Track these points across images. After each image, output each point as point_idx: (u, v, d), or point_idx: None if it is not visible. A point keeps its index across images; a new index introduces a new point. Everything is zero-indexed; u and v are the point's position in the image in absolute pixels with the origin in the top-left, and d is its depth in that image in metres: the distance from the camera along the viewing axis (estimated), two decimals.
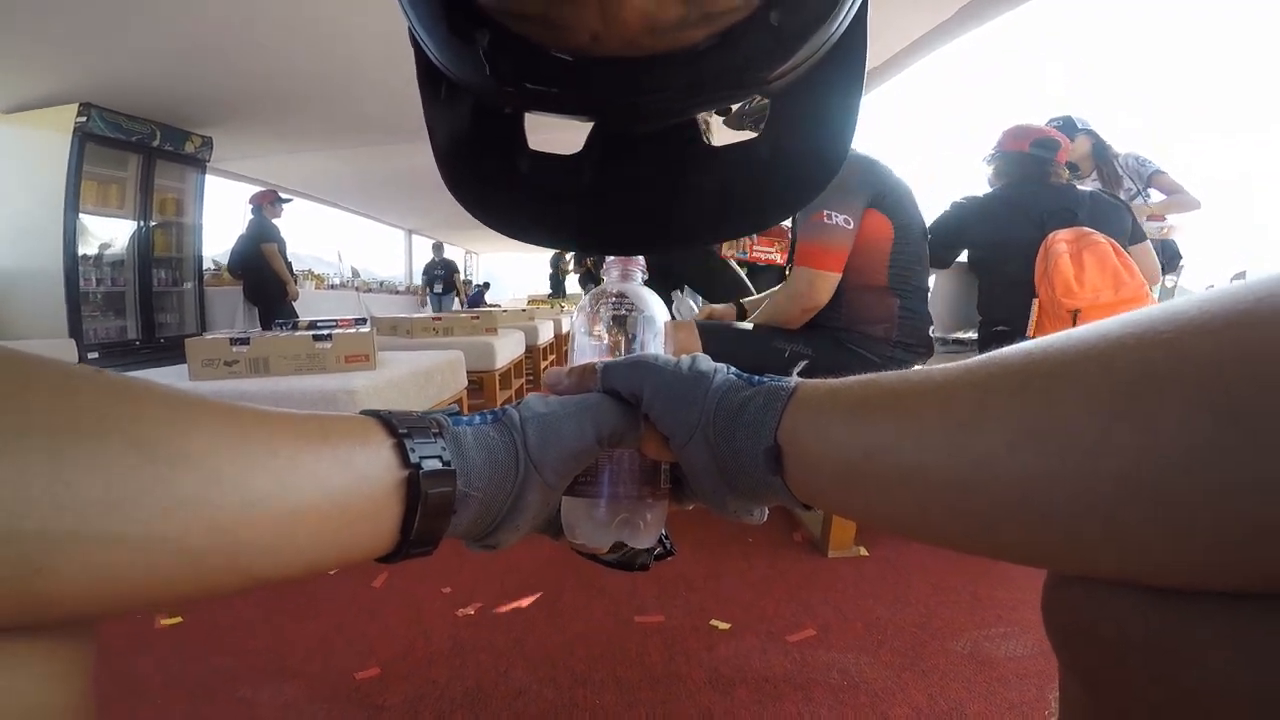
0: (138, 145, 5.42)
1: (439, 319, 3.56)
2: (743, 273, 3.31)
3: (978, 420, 0.28)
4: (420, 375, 2.11)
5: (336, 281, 10.07)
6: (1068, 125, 3.00)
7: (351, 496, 0.35)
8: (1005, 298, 1.95)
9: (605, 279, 0.58)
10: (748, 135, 0.50)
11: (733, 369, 0.48)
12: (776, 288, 1.82)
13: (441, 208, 11.94)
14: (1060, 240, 1.82)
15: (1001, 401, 0.28)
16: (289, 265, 5.85)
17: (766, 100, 0.41)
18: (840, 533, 1.58)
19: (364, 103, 5.86)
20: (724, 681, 1.09)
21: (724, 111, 1.76)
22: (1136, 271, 1.79)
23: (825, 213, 1.56)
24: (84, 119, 4.84)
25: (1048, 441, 0.25)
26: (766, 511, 0.48)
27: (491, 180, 0.47)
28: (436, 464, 0.39)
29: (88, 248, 5.00)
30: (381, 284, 12.50)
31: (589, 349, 0.57)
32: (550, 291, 16.03)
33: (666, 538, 0.55)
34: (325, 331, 1.97)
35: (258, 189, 6.60)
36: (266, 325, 5.68)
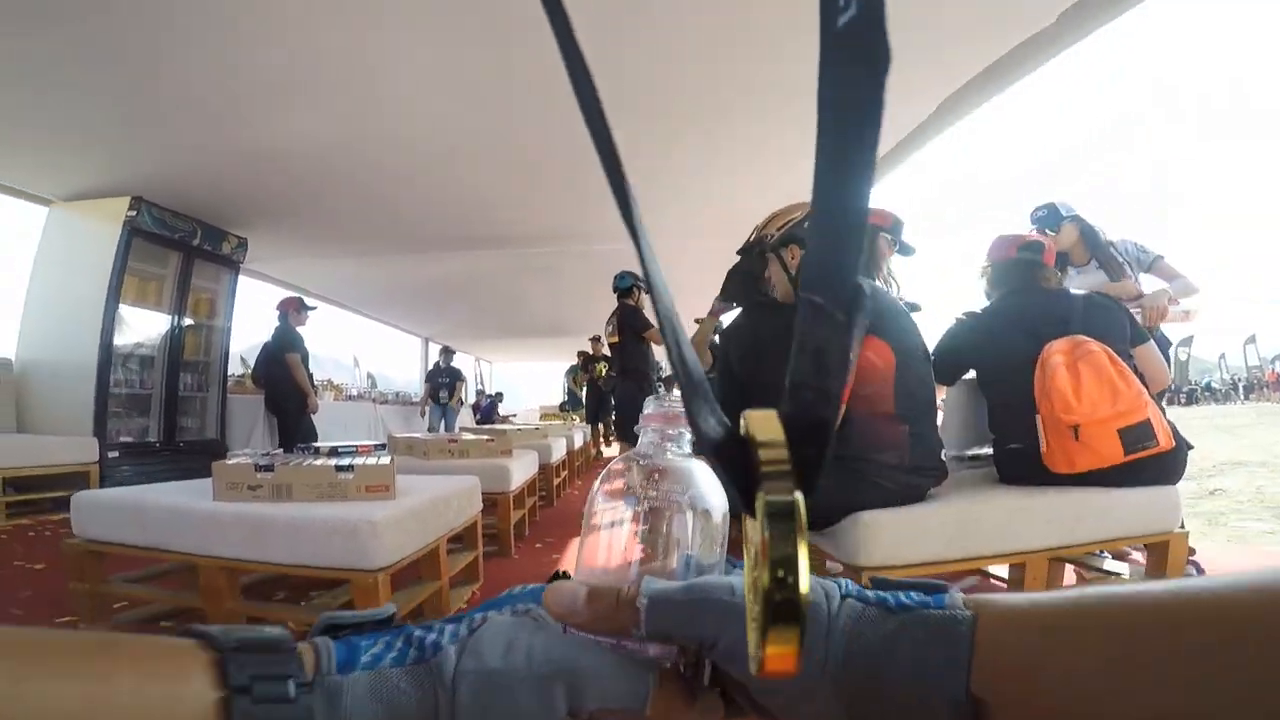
0: (180, 243, 5.58)
1: (455, 441, 3.62)
2: None
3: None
4: (439, 503, 2.15)
5: (354, 392, 10.28)
6: (1051, 214, 3.02)
7: None
8: (1012, 416, 1.96)
9: (641, 439, 0.42)
10: None
11: (849, 584, 0.36)
12: None
13: (459, 315, 12.29)
14: (1056, 353, 1.83)
15: None
16: (310, 376, 5.98)
17: None
18: None
19: (394, 213, 6.16)
20: None
21: None
22: (1133, 379, 1.79)
23: None
24: (134, 213, 4.98)
25: None
26: None
27: None
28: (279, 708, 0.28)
29: (122, 343, 5.12)
30: (398, 395, 12.68)
31: (612, 547, 0.40)
32: (563, 402, 16.22)
33: None
34: (348, 462, 2.03)
35: (286, 293, 6.89)
36: (285, 437, 5.81)
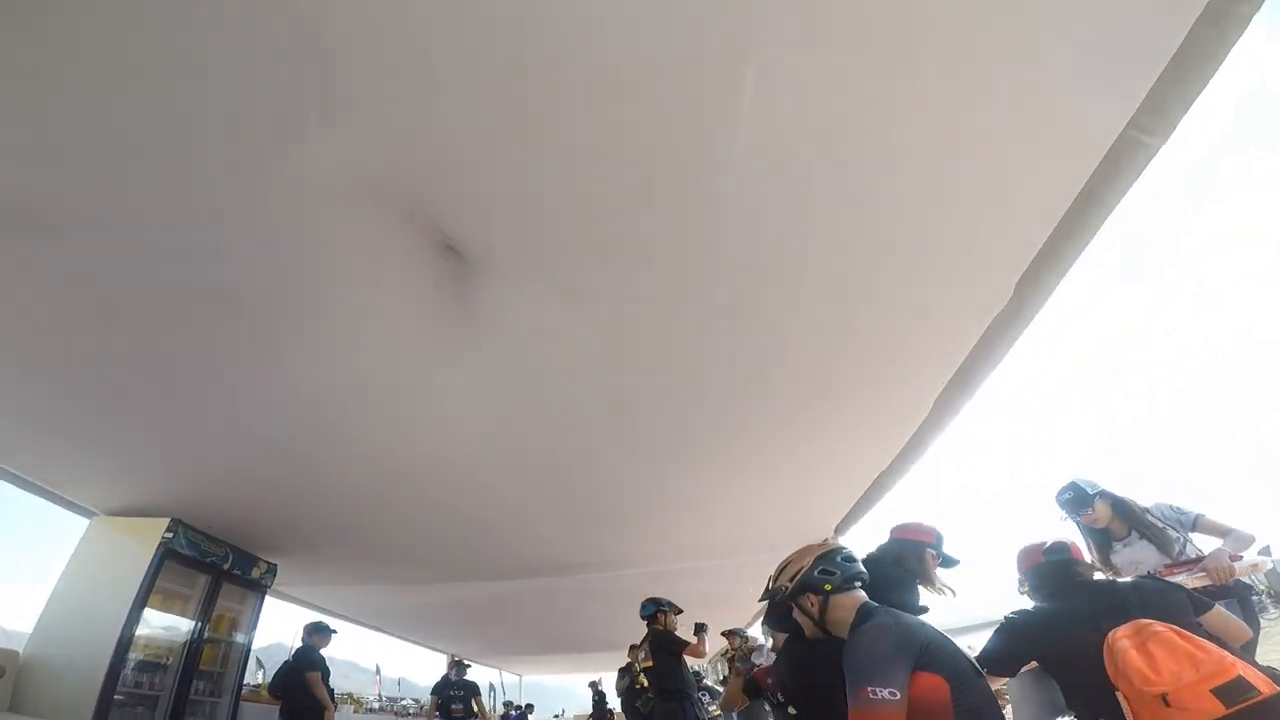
0: (210, 566, 5.69)
1: None
2: None
3: None
4: None
5: (375, 705, 9.65)
6: (1079, 496, 3.01)
7: None
8: (1089, 696, 1.91)
9: None
10: None
11: None
12: None
13: (485, 635, 11.87)
14: (1121, 638, 1.82)
15: None
16: (331, 690, 5.90)
17: None
18: None
19: (423, 545, 6.32)
20: None
21: None
22: (1209, 646, 1.73)
23: (869, 689, 1.59)
24: (171, 534, 5.15)
25: None
26: None
27: None
28: None
29: (137, 649, 5.04)
30: (420, 705, 11.85)
31: None
32: (592, 714, 14.91)
33: None
34: None
35: (311, 615, 6.85)
36: None
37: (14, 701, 4.53)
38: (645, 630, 5.37)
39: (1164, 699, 1.67)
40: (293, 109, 2.06)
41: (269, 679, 6.71)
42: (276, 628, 8.00)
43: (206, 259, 2.66)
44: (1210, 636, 1.83)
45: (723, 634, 7.06)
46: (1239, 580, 2.71)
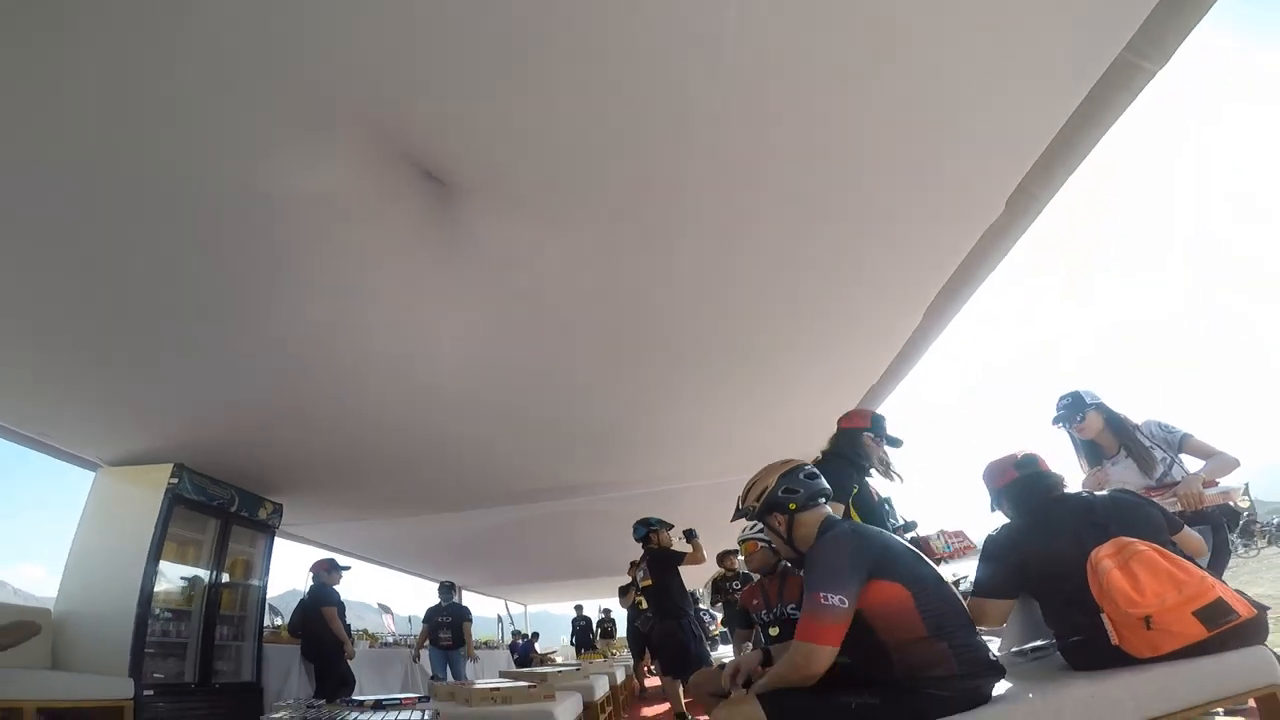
0: (218, 510, 5.76)
1: (498, 689, 3.49)
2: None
3: None
4: None
5: (390, 639, 9.90)
6: (1076, 403, 3.02)
7: None
8: (1071, 615, 1.91)
9: None
10: None
11: None
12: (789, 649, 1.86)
13: (490, 565, 12.12)
14: (1104, 557, 1.83)
15: None
16: (347, 626, 6.01)
17: None
18: None
19: (428, 476, 6.38)
20: None
21: None
22: (1191, 567, 1.77)
23: (821, 594, 1.70)
24: (176, 480, 5.18)
25: None
26: None
27: None
28: None
29: (160, 600, 5.17)
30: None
31: None
32: (599, 636, 15.63)
33: None
34: (395, 716, 2.00)
35: (320, 553, 6.90)
36: (322, 681, 5.74)
37: (54, 659, 4.65)
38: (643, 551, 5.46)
39: (1147, 621, 1.70)
40: (274, 38, 1.98)
41: (287, 621, 6.82)
42: (288, 575, 8.08)
43: (191, 201, 2.60)
44: (1184, 555, 1.86)
45: (718, 557, 7.13)
46: (1228, 506, 2.71)
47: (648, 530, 5.36)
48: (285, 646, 6.35)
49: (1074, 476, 3.14)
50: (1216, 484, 2.65)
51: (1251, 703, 1.89)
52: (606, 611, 16.62)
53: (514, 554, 10.70)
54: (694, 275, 3.41)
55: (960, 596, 1.90)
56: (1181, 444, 2.85)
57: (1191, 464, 2.86)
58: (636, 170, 2.62)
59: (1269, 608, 1.85)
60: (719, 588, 7.34)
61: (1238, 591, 1.77)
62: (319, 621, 5.80)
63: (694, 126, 2.41)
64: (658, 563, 5.26)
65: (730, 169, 2.63)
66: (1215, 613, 1.68)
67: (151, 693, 4.75)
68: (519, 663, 12.02)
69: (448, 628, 7.78)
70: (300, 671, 6.20)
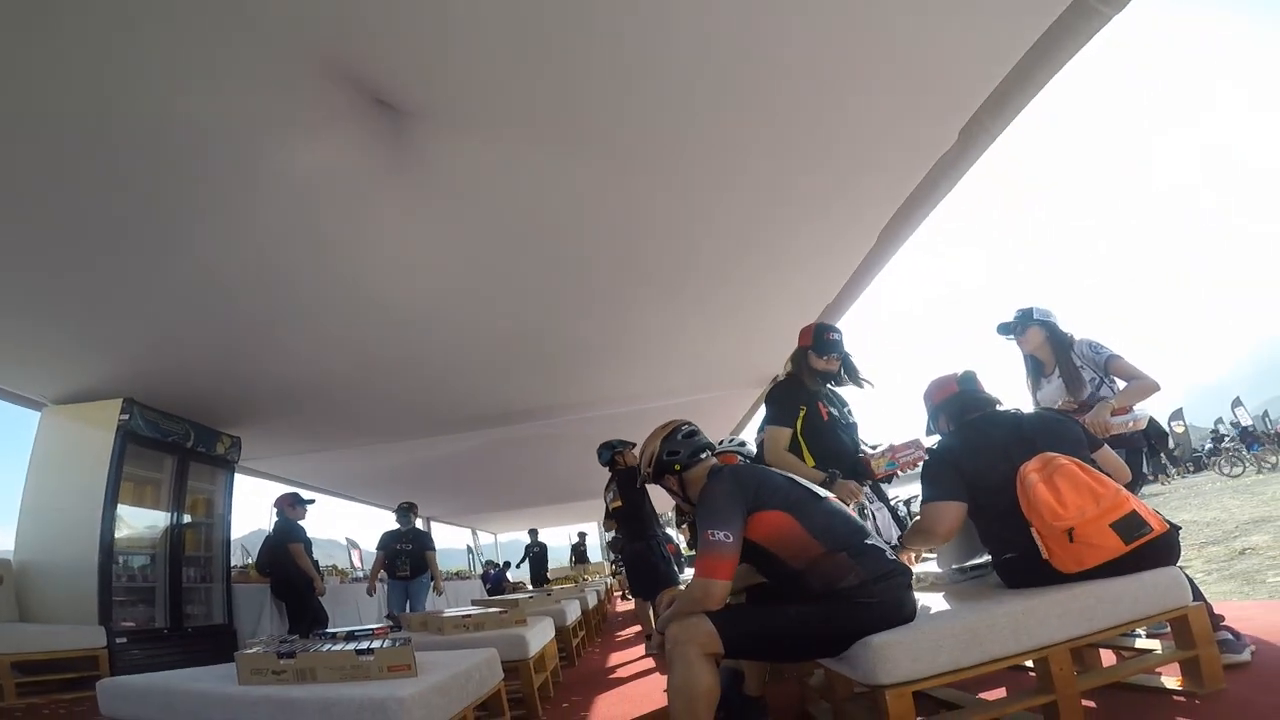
0: (173, 446, 5.65)
1: (469, 616, 3.61)
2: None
3: None
4: (460, 676, 2.16)
5: (361, 574, 10.03)
6: (1022, 316, 3.03)
7: None
8: (1004, 530, 2.02)
9: None
10: None
11: None
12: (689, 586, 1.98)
13: (458, 493, 12.20)
14: (1031, 471, 1.93)
15: None
16: (315, 562, 5.95)
17: None
18: None
19: (387, 402, 6.29)
20: None
21: None
22: (1107, 480, 1.89)
23: (709, 531, 1.83)
24: (126, 416, 5.03)
25: None
26: None
27: None
28: None
29: (122, 544, 5.09)
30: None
31: None
32: (573, 562, 16.09)
33: None
34: (367, 645, 2.07)
35: (282, 488, 6.83)
36: (294, 619, 5.73)
37: (20, 611, 4.59)
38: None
39: (1069, 533, 1.80)
40: None
41: (254, 559, 6.81)
42: (253, 514, 8.02)
43: (140, 124, 2.52)
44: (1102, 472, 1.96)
45: None
46: (1159, 427, 2.78)
47: (612, 453, 5.29)
48: (255, 586, 6.35)
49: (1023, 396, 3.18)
50: (1131, 409, 2.68)
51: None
52: (582, 536, 17.10)
53: (481, 481, 10.77)
54: (654, 195, 3.41)
55: (845, 508, 2.03)
56: (1107, 365, 2.86)
57: (1121, 385, 2.90)
58: (593, 91, 2.58)
59: (1180, 527, 1.99)
60: (682, 510, 7.49)
61: (1154, 510, 1.90)
62: (286, 559, 5.71)
63: (649, 43, 2.37)
64: (629, 480, 5.17)
65: (690, 86, 2.60)
66: (1130, 525, 1.80)
67: (124, 640, 4.74)
68: (491, 592, 12.31)
69: (407, 557, 6.68)
70: (272, 610, 6.22)
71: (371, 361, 5.24)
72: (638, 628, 6.41)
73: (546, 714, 3.34)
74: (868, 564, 1.80)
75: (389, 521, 7.14)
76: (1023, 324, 3.05)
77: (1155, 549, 1.84)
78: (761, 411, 3.34)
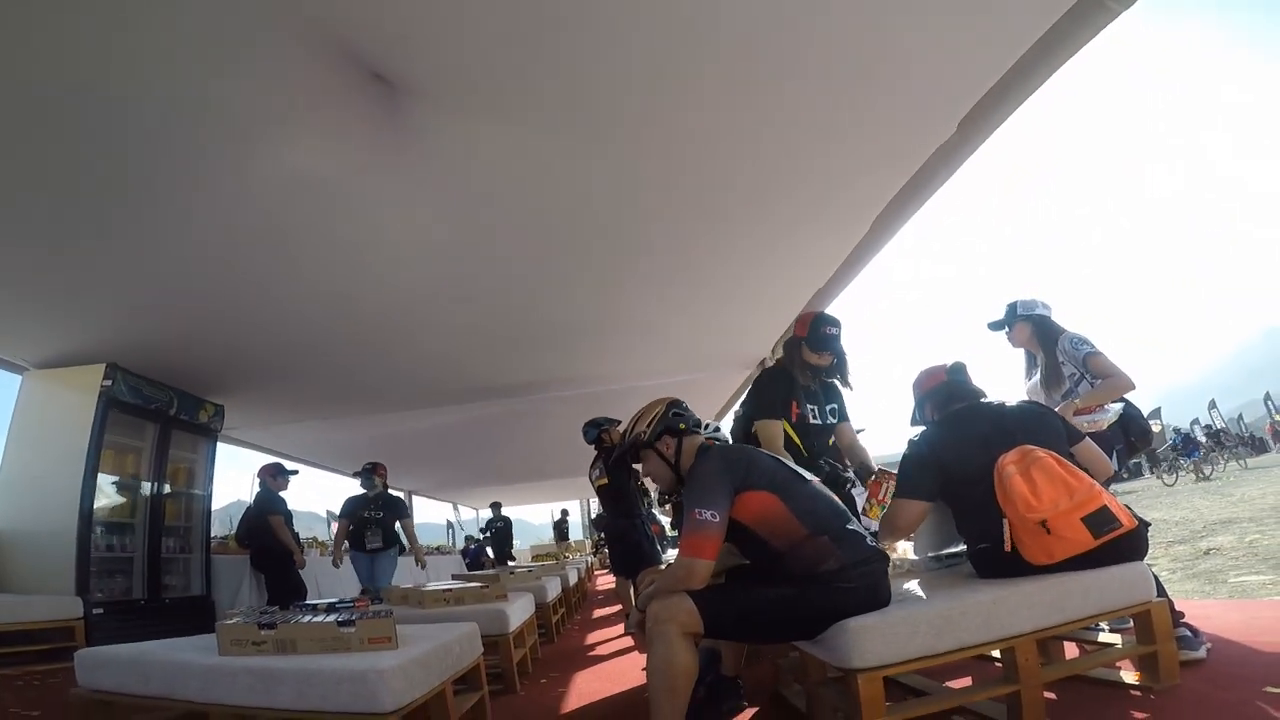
0: (155, 413, 5.57)
1: (450, 590, 3.64)
2: None
3: None
4: (440, 649, 2.19)
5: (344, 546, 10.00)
6: (1008, 312, 3.04)
7: None
8: (978, 520, 2.08)
9: None
10: None
11: None
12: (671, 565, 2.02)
13: (441, 470, 12.23)
14: (1009, 463, 1.98)
15: None
16: (295, 535, 5.90)
17: None
18: None
19: (372, 373, 6.24)
20: None
21: None
22: (1081, 474, 1.94)
23: (696, 510, 1.85)
24: (109, 382, 4.96)
25: None
26: None
27: None
28: None
29: (101, 513, 5.03)
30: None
31: None
32: (556, 538, 16.21)
33: None
34: (349, 617, 2.08)
35: (265, 458, 6.73)
36: (273, 592, 5.66)
37: None
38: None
39: (1044, 525, 1.85)
40: None
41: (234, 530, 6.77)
42: (233, 486, 7.95)
43: (126, 93, 2.49)
44: (1080, 466, 2.01)
45: None
46: (1141, 426, 2.78)
47: (599, 431, 5.20)
48: (235, 557, 6.30)
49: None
50: (1098, 409, 2.67)
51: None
52: (564, 513, 17.21)
53: (464, 455, 10.75)
54: (644, 175, 3.40)
55: (829, 492, 2.06)
56: (1085, 362, 2.81)
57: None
58: (586, 67, 2.57)
59: (1150, 523, 2.05)
60: (662, 492, 7.46)
61: (1126, 506, 1.95)
62: (266, 530, 5.65)
63: (643, 17, 2.34)
64: (615, 461, 5.06)
65: (690, 70, 2.59)
66: (1100, 520, 1.85)
67: (101, 611, 4.71)
68: (471, 566, 12.37)
69: (377, 525, 5.88)
70: (251, 582, 6.18)
71: (358, 333, 5.20)
72: (618, 606, 6.48)
73: (524, 689, 3.40)
74: (848, 549, 1.84)
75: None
76: (1008, 320, 3.07)
77: (1123, 545, 1.89)
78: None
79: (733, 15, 2.33)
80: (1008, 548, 1.93)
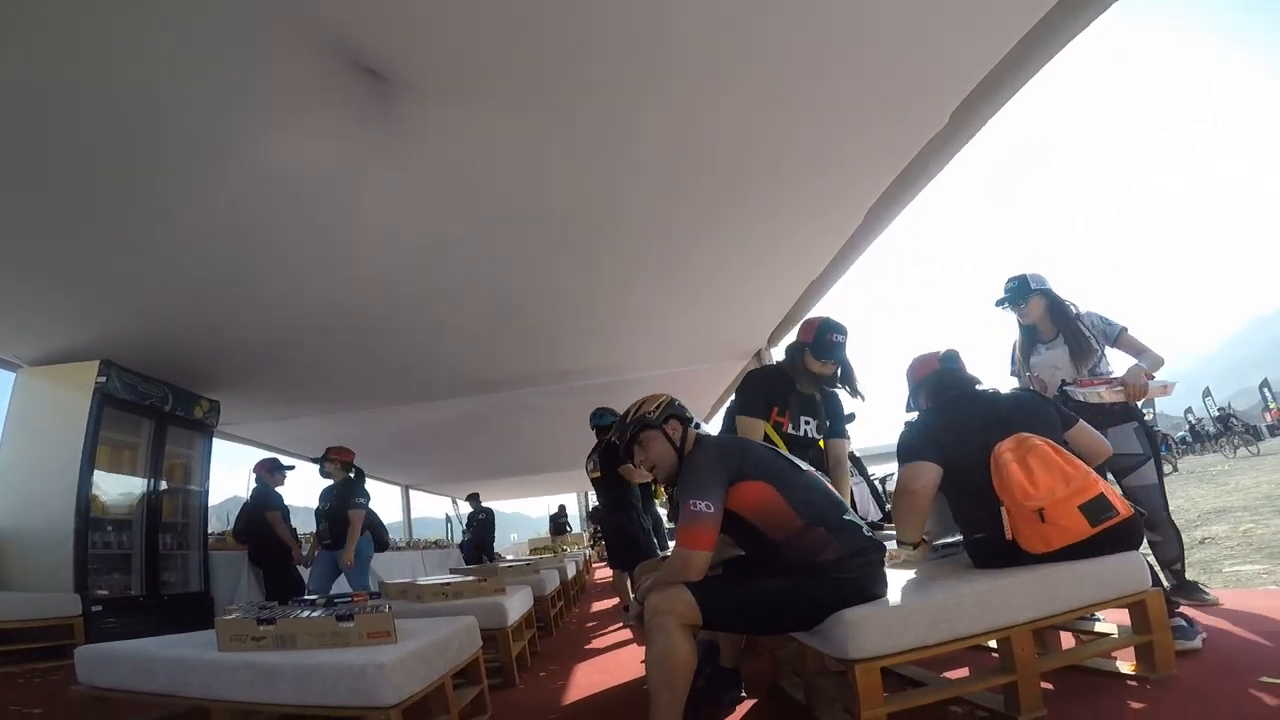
0: (151, 410, 5.54)
1: (448, 585, 3.65)
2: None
3: None
4: (439, 643, 2.20)
5: None
6: (1021, 287, 2.98)
7: None
8: (975, 509, 2.09)
9: None
10: None
11: None
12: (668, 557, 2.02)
13: (439, 464, 12.22)
14: (1005, 451, 2.00)
15: None
16: (293, 530, 5.89)
17: None
18: None
19: (369, 368, 6.23)
20: None
21: None
22: (1078, 462, 1.96)
23: (691, 502, 1.85)
24: (104, 379, 4.95)
25: None
26: None
27: None
28: None
29: (97, 510, 5.01)
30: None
31: None
32: (552, 532, 16.24)
33: None
34: (347, 612, 2.09)
35: (261, 453, 6.70)
36: (272, 587, 5.62)
37: None
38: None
39: (1040, 514, 1.87)
40: None
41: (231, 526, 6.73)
42: (229, 482, 7.92)
43: (120, 89, 2.48)
44: (1074, 452, 2.02)
45: None
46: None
47: (614, 420, 4.92)
48: (232, 553, 6.29)
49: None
50: (1154, 378, 2.72)
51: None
52: (562, 508, 17.24)
53: (461, 449, 10.72)
54: (636, 167, 3.39)
55: (824, 482, 2.05)
56: (1117, 338, 2.88)
57: (1121, 358, 2.92)
58: (580, 62, 2.55)
59: (1145, 513, 2.06)
60: (656, 482, 7.42)
61: (1121, 495, 1.97)
62: (264, 526, 5.64)
63: (639, 12, 2.33)
64: (610, 454, 5.06)
65: (682, 59, 2.58)
66: (1097, 508, 1.87)
67: (100, 608, 4.69)
68: (468, 561, 12.39)
69: (325, 520, 5.24)
70: (249, 578, 6.17)
71: (353, 326, 5.18)
72: (616, 599, 6.49)
73: (523, 682, 3.41)
74: (844, 539, 1.85)
75: (370, 489, 6.17)
76: (1023, 295, 2.99)
77: (1119, 533, 1.91)
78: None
79: (728, 10, 2.32)
80: (1009, 536, 1.94)
